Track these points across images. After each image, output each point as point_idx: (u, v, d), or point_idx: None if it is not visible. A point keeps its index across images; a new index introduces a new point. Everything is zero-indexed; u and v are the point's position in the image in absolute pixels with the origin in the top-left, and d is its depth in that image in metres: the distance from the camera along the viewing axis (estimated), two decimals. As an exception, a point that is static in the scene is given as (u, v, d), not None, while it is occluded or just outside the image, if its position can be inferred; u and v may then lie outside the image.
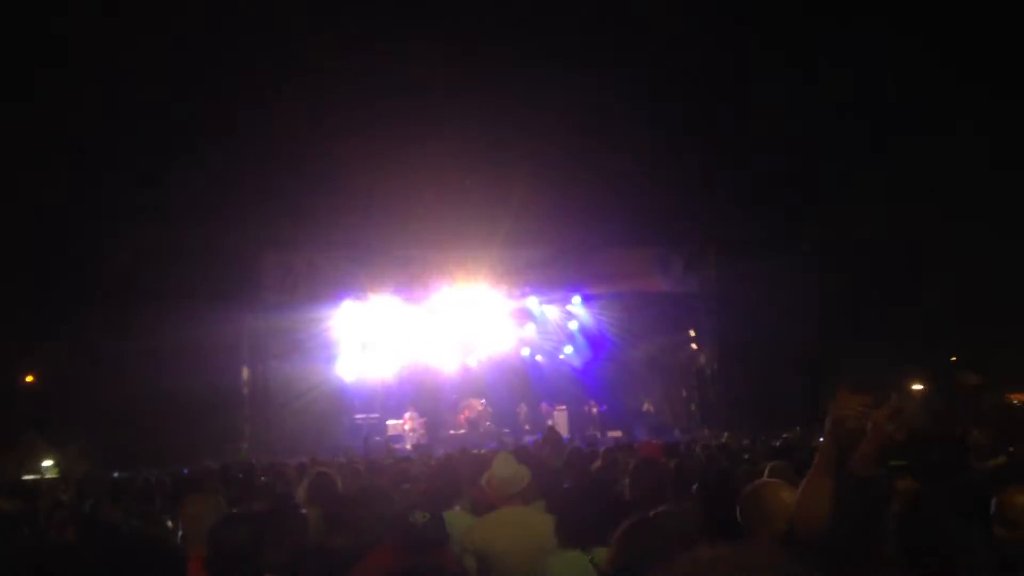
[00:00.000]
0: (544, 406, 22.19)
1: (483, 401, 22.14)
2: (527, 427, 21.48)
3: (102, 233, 18.10)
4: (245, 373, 21.09)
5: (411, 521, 3.22)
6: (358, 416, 21.52)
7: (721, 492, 4.34)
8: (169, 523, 4.39)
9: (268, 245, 20.60)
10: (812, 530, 2.47)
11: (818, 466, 2.59)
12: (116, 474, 12.66)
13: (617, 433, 20.67)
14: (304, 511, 4.50)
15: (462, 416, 21.77)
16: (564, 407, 22.25)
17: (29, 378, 20.66)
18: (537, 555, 3.91)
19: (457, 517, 5.04)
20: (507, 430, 21.00)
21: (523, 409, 22.27)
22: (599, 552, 3.14)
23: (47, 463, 18.80)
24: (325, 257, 20.69)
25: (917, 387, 21.87)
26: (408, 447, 19.24)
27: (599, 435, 20.19)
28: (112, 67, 15.95)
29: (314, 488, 5.39)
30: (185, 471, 11.41)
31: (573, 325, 23.25)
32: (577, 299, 22.10)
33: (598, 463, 7.72)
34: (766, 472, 4.81)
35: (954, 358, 22.21)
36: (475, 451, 11.97)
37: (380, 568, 3.47)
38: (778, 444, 10.58)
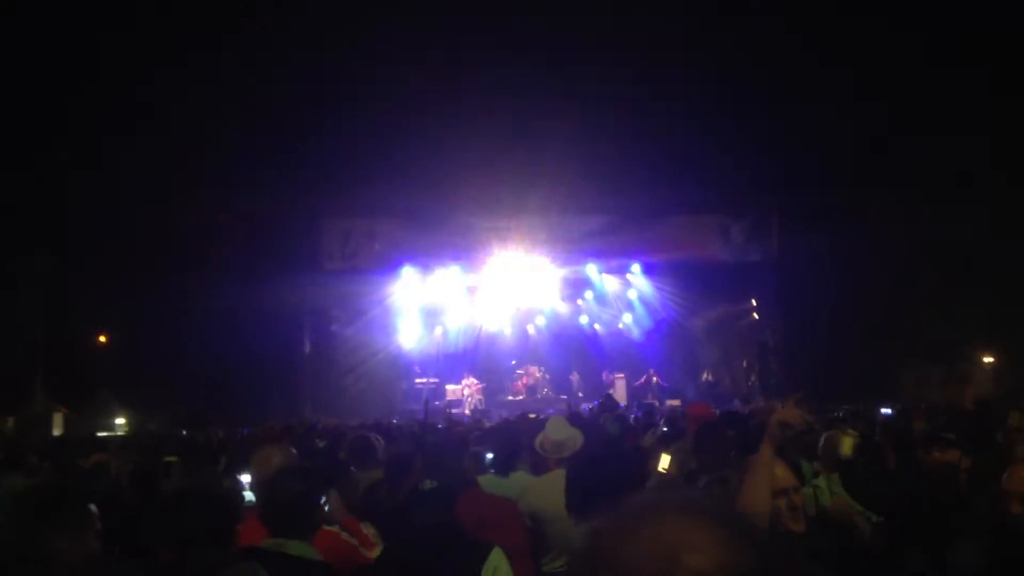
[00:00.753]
0: (605, 374, 22.18)
1: (541, 368, 22.23)
2: (580, 395, 21.50)
3: (172, 200, 18.52)
4: (307, 338, 21.49)
5: (419, 487, 3.28)
6: (418, 381, 21.80)
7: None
8: (238, 477, 4.51)
9: (328, 213, 20.85)
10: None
11: (758, 462, 2.81)
12: (184, 432, 13.07)
13: (676, 402, 20.54)
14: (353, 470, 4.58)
15: (520, 382, 21.90)
16: (623, 375, 22.20)
17: (102, 338, 21.39)
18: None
19: (518, 477, 5.09)
20: (564, 396, 21.03)
21: (576, 377, 22.28)
22: None
23: (119, 421, 19.53)
24: (384, 224, 20.85)
25: (988, 359, 21.27)
26: (467, 412, 19.42)
27: (657, 403, 20.08)
28: (172, 33, 16.24)
29: (353, 450, 5.48)
30: (246, 431, 11.70)
31: (632, 294, 23.09)
32: (636, 267, 21.89)
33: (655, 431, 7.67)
34: (820, 442, 4.77)
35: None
36: (532, 416, 12.05)
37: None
38: (840, 415, 10.39)
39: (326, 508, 3.46)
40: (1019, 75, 16.29)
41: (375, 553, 3.58)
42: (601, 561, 0.94)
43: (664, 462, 4.19)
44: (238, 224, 19.43)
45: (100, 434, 16.18)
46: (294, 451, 3.96)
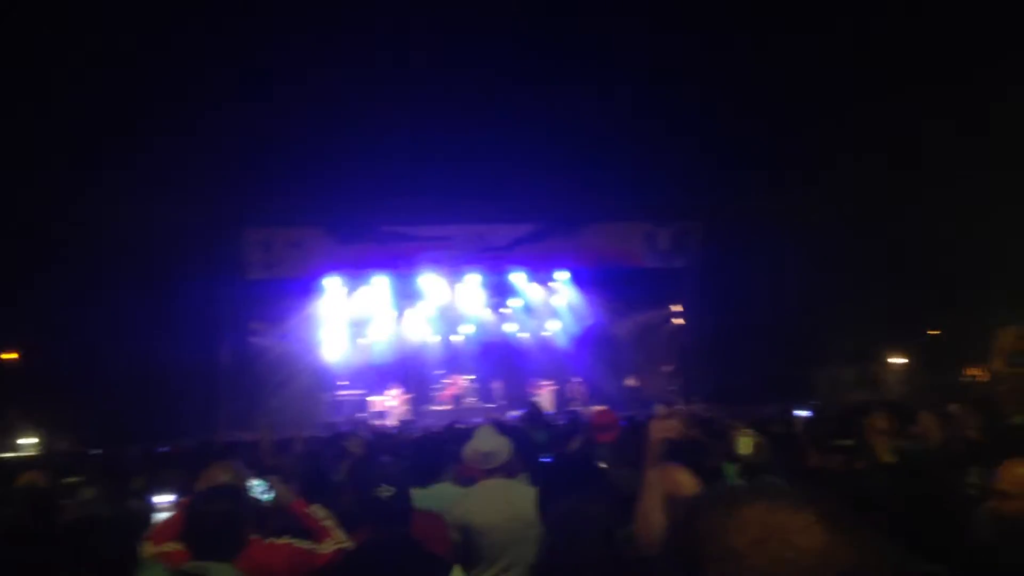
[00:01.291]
0: (531, 381, 22.23)
1: (467, 377, 22.14)
2: (503, 403, 21.51)
3: (84, 210, 17.83)
4: (225, 350, 20.93)
5: (376, 495, 3.18)
6: (340, 393, 21.47)
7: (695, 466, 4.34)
8: (150, 499, 4.31)
9: (249, 221, 20.36)
10: (651, 540, 2.62)
11: (647, 478, 2.86)
12: (97, 451, 12.54)
13: (602, 408, 20.69)
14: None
15: (446, 392, 21.76)
16: (550, 383, 22.27)
17: (10, 355, 20.46)
18: (521, 528, 3.86)
19: (441, 489, 5.01)
20: (492, 405, 20.99)
21: (498, 385, 22.25)
22: None
23: (30, 441, 18.68)
24: (308, 233, 20.48)
25: (898, 360, 22.13)
26: (392, 423, 19.19)
27: (583, 410, 20.18)
28: (86, 33, 15.66)
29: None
30: (163, 449, 11.30)
31: (558, 301, 23.20)
32: (562, 275, 22.00)
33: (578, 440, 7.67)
34: (736, 443, 4.81)
35: (935, 332, 22.44)
36: (459, 426, 11.94)
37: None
38: (757, 418, 10.57)
39: (270, 496, 3.49)
40: (933, 87, 16.93)
41: (328, 545, 3.48)
42: (707, 536, 0.97)
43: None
44: (153, 233, 18.79)
45: (5, 455, 15.47)
46: (241, 469, 3.83)
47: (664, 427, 2.90)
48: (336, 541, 3.53)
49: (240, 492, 3.36)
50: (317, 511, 3.70)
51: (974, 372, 21.09)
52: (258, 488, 3.63)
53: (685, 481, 2.82)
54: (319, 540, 3.53)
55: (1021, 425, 6.78)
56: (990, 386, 13.80)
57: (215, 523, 2.93)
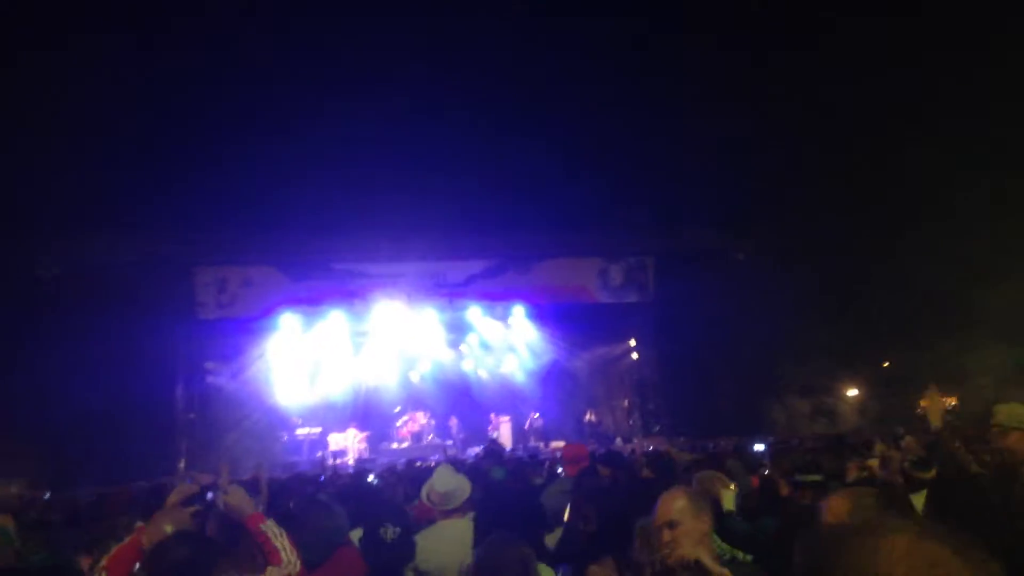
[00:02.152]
0: (492, 416, 22.19)
1: (426, 414, 22.02)
2: (461, 438, 21.45)
3: (32, 245, 17.54)
4: (180, 390, 20.58)
5: (381, 536, 3.16)
6: (299, 432, 21.21)
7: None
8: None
9: (200, 260, 20.13)
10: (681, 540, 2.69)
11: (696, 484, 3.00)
12: (47, 495, 12.25)
13: (560, 443, 20.73)
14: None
15: (405, 429, 21.62)
16: (508, 418, 22.25)
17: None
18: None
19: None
20: (450, 442, 20.90)
21: (454, 422, 22.18)
22: None
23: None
24: (261, 272, 20.31)
25: (852, 392, 22.51)
26: (350, 461, 19.00)
27: (542, 445, 20.20)
28: (36, 68, 15.53)
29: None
30: (104, 492, 11.01)
31: (515, 337, 23.24)
32: (519, 310, 22.07)
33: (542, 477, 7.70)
34: (695, 481, 4.85)
35: (886, 364, 22.91)
36: (418, 464, 11.90)
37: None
38: (711, 450, 10.72)
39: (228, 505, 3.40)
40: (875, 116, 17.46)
41: (292, 566, 3.36)
42: (853, 565, 1.00)
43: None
44: (103, 272, 18.50)
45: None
46: (189, 514, 3.70)
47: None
48: (286, 565, 3.36)
49: (201, 536, 3.32)
50: (272, 527, 3.53)
51: (926, 403, 21.51)
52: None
53: (725, 489, 2.84)
54: (268, 562, 3.37)
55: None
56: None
57: (178, 569, 2.92)
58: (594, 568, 2.98)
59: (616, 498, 4.44)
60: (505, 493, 4.57)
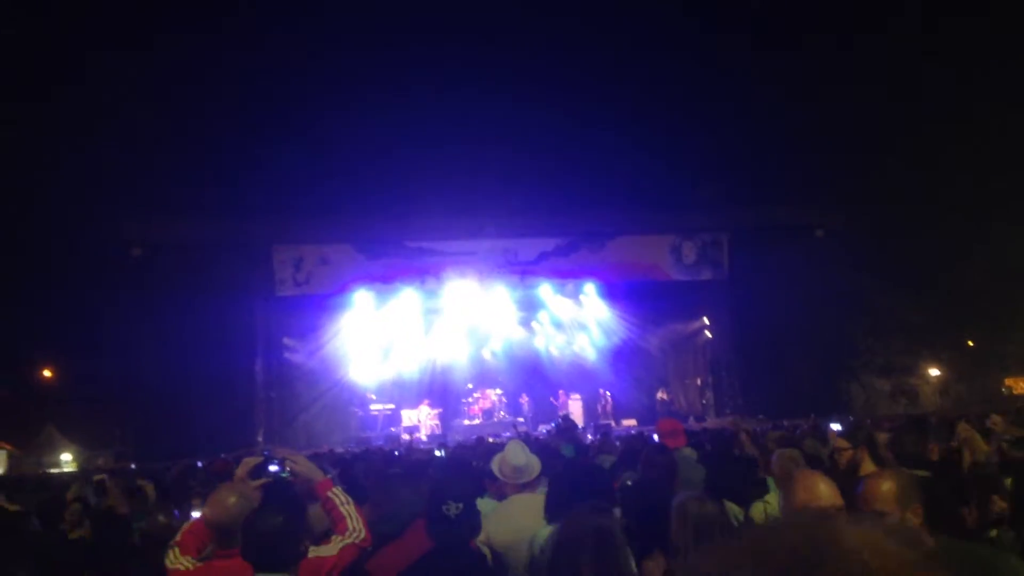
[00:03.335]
0: (560, 394, 22.20)
1: (498, 391, 22.16)
2: (530, 416, 21.49)
3: (119, 228, 18.19)
4: (259, 365, 21.14)
5: (444, 512, 3.18)
6: (373, 408, 21.59)
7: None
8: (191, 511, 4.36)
9: (279, 239, 20.58)
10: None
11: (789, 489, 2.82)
12: (133, 465, 12.75)
13: (632, 421, 20.67)
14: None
15: (476, 406, 21.80)
16: (579, 396, 22.23)
17: (47, 373, 20.84)
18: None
19: (485, 505, 4.97)
20: (521, 419, 20.97)
21: (525, 399, 22.21)
22: None
23: (66, 457, 18.99)
24: (337, 250, 20.64)
25: (934, 372, 21.80)
26: (423, 437, 19.28)
27: (613, 424, 20.15)
28: (129, 60, 16.02)
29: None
30: (199, 464, 11.45)
31: (586, 314, 23.16)
32: (591, 288, 21.94)
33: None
34: (774, 460, 4.77)
35: (971, 343, 22.13)
36: (490, 440, 12.01)
37: (412, 553, 3.41)
38: (788, 431, 10.50)
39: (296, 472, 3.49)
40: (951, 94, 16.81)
41: (335, 545, 3.33)
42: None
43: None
44: (186, 252, 19.09)
45: (46, 471, 15.73)
46: (252, 486, 3.76)
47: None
48: (351, 533, 3.41)
49: (295, 506, 3.37)
50: (339, 494, 3.57)
51: (1012, 383, 20.78)
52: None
53: (824, 491, 2.74)
54: (334, 531, 3.43)
55: None
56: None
57: (272, 537, 3.01)
58: (648, 564, 2.94)
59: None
60: (576, 470, 4.54)
